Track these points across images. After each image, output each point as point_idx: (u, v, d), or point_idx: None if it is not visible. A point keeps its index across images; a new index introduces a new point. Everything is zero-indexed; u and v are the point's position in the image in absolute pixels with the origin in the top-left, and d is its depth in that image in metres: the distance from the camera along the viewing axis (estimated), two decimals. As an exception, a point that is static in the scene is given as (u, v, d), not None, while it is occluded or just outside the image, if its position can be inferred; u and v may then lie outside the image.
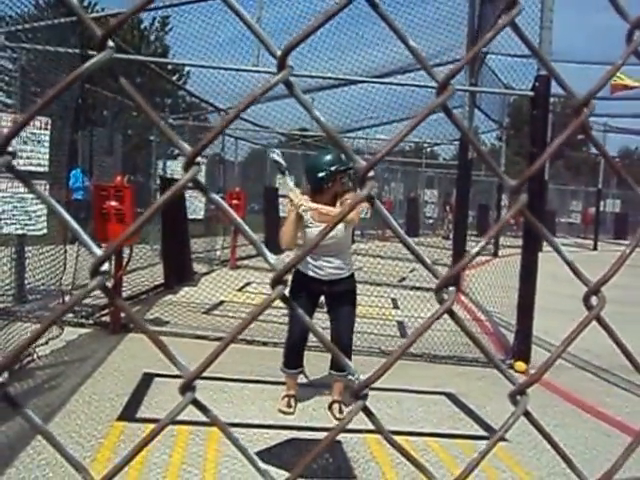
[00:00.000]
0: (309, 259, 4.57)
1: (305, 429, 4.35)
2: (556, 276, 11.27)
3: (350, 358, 4.74)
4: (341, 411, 4.66)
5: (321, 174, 4.51)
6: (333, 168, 4.50)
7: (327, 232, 0.67)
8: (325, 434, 0.69)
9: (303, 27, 0.62)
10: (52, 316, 0.60)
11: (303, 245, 4.64)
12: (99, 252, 0.59)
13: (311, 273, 4.60)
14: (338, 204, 4.56)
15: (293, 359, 4.74)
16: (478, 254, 0.74)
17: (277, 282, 0.64)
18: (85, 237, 0.60)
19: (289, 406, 4.68)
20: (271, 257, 0.65)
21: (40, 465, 3.49)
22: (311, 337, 6.09)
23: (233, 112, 0.64)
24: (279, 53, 0.63)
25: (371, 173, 0.64)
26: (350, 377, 0.65)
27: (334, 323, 4.69)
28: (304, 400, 4.91)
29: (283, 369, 4.80)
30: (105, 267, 0.59)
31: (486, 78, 11.47)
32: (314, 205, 4.51)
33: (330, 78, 10.12)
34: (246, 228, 0.65)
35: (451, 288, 0.69)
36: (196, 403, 0.65)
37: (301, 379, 5.02)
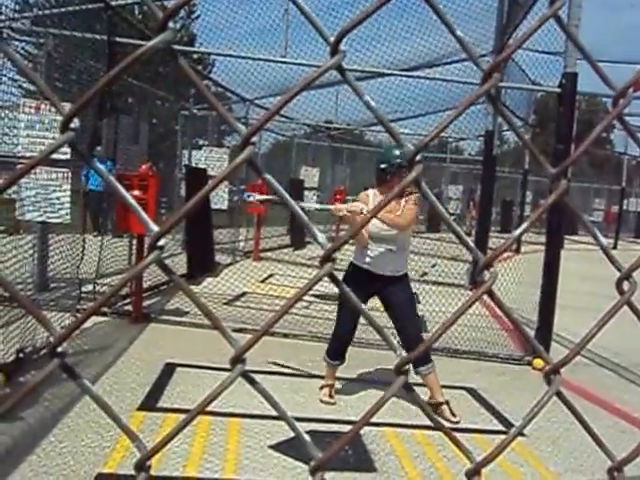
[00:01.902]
0: (369, 252, 4.62)
1: (325, 421, 4.36)
2: (576, 274, 11.19)
3: (427, 350, 4.61)
4: (453, 414, 4.62)
5: (383, 165, 4.65)
6: (395, 162, 4.60)
7: (371, 217, 0.72)
8: (343, 427, 0.70)
9: (329, 16, 0.62)
10: (112, 290, 0.65)
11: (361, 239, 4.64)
12: (156, 228, 0.62)
13: (365, 266, 4.64)
14: (403, 202, 4.61)
15: (338, 350, 4.79)
16: (520, 236, 0.77)
17: (326, 259, 0.65)
18: (143, 214, 0.63)
19: (331, 396, 4.76)
20: (320, 236, 0.65)
21: (62, 453, 3.54)
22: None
23: (286, 96, 0.65)
24: (332, 39, 0.63)
25: (418, 157, 0.66)
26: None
27: (398, 322, 4.67)
28: (373, 396, 4.94)
29: (326, 359, 4.85)
30: (162, 242, 0.61)
31: (513, 73, 11.36)
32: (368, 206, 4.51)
33: (357, 71, 10.06)
34: (297, 208, 0.66)
35: (492, 269, 0.71)
36: (246, 375, 0.67)
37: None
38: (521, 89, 12.54)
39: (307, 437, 0.70)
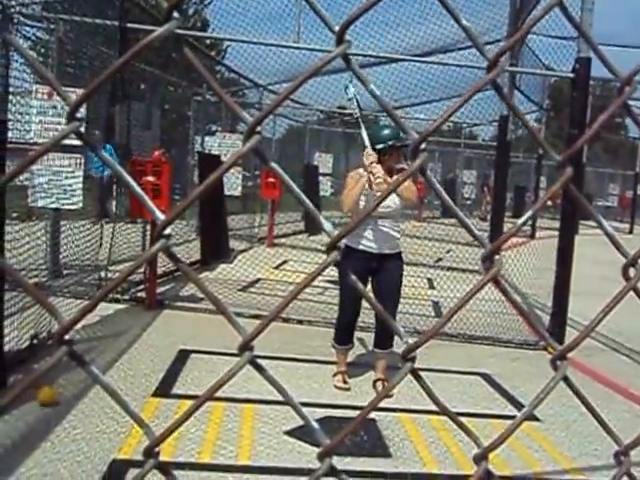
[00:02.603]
0: (363, 231, 4.62)
1: (340, 407, 4.36)
2: (589, 259, 11.10)
3: (392, 336, 4.77)
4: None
5: (379, 146, 4.60)
6: (391, 142, 4.60)
7: (380, 202, 0.71)
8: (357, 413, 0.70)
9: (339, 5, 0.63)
10: (119, 278, 0.64)
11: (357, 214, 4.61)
12: (162, 217, 0.62)
13: (362, 247, 4.64)
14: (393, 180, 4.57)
15: (345, 335, 4.82)
16: (525, 224, 0.78)
17: (332, 248, 0.66)
18: (149, 202, 0.63)
19: (345, 382, 4.77)
20: (326, 224, 0.66)
21: (75, 440, 3.55)
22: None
23: (293, 84, 0.67)
24: (337, 28, 0.65)
25: (423, 145, 0.67)
26: (390, 352, 0.64)
27: (379, 297, 4.67)
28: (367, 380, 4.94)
29: (334, 345, 4.88)
30: (168, 231, 0.61)
31: (527, 59, 11.25)
32: (387, 178, 4.47)
33: (371, 56, 9.99)
34: (303, 197, 0.67)
35: (497, 257, 0.71)
36: (253, 363, 0.67)
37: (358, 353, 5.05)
38: (535, 74, 12.42)
39: (315, 424, 0.71)
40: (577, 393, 0.83)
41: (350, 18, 0.64)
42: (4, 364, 4.15)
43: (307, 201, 0.66)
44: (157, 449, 0.65)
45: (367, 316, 5.45)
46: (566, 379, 0.80)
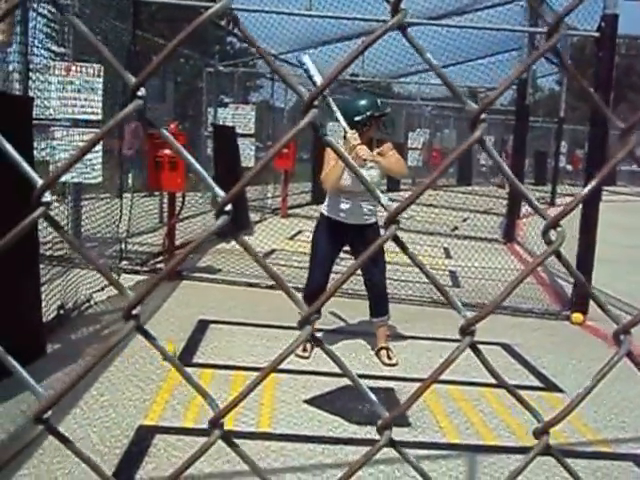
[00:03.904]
0: (340, 204, 4.62)
1: (359, 377, 4.37)
2: (615, 226, 11.00)
3: (386, 303, 4.81)
4: (389, 357, 4.71)
5: (357, 117, 4.48)
6: (369, 112, 4.50)
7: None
8: (369, 382, 0.71)
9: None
10: (186, 251, 0.68)
11: (343, 189, 4.58)
12: (222, 193, 0.63)
13: (339, 218, 4.64)
14: (375, 152, 4.54)
15: (312, 301, 4.77)
16: (587, 196, 0.76)
17: (391, 221, 0.66)
18: (208, 178, 0.65)
19: (304, 350, 4.67)
20: (383, 198, 0.67)
21: (103, 406, 3.63)
22: (345, 285, 6.08)
23: (349, 56, 0.65)
24: None
25: (483, 115, 0.65)
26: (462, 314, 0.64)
27: (364, 267, 4.66)
28: (355, 349, 4.95)
29: (301, 314, 4.83)
30: (229, 207, 0.63)
31: (547, 18, 10.99)
32: (375, 157, 4.44)
33: (384, 21, 9.85)
34: (358, 169, 0.67)
35: (559, 229, 0.70)
36: (314, 337, 0.71)
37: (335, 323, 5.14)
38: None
39: (373, 396, 0.72)
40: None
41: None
42: (44, 332, 4.28)
43: (362, 174, 0.65)
44: (222, 420, 0.67)
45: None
46: (630, 355, 0.78)
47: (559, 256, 0.71)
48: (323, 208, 4.81)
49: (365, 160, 4.34)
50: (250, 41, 0.65)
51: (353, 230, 4.66)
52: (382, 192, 4.38)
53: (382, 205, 0.67)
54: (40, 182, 0.62)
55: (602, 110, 0.72)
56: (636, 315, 0.77)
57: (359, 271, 4.84)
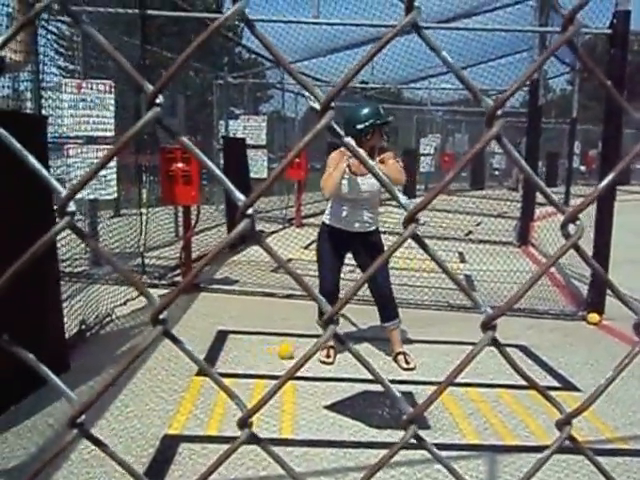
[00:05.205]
0: (343, 212, 4.66)
1: (377, 382, 4.40)
2: (628, 226, 10.91)
3: (394, 307, 4.82)
4: (407, 361, 4.73)
5: (360, 126, 4.50)
6: (371, 121, 4.51)
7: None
8: (394, 386, 0.72)
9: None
10: (210, 256, 0.69)
11: (343, 195, 4.63)
12: (242, 197, 0.64)
13: (340, 226, 4.68)
14: (377, 160, 4.58)
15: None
16: (603, 190, 0.76)
17: (410, 220, 0.66)
18: (230, 184, 0.66)
19: (328, 356, 4.75)
20: (402, 198, 0.67)
21: (128, 417, 3.70)
22: (359, 291, 6.09)
23: (365, 57, 0.64)
24: None
25: (499, 112, 0.65)
26: (481, 310, 0.66)
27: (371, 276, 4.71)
28: (372, 354, 4.97)
29: (318, 321, 4.85)
30: (250, 211, 0.64)
31: (557, 17, 10.99)
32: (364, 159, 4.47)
33: (393, 26, 9.89)
34: (378, 170, 0.68)
35: (577, 222, 0.70)
36: (337, 336, 0.71)
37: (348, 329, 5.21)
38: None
39: (397, 392, 0.73)
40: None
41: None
42: (67, 347, 4.36)
43: (383, 177, 0.67)
44: (250, 420, 0.69)
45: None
46: None
47: (577, 249, 0.71)
48: (325, 217, 4.84)
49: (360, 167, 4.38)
50: (266, 45, 0.65)
51: (355, 238, 4.70)
52: (383, 202, 4.37)
53: (401, 204, 0.67)
54: (64, 192, 0.62)
55: (618, 100, 0.73)
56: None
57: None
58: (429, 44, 0.65)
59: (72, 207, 0.62)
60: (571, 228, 0.71)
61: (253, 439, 0.71)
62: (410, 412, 0.71)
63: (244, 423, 0.69)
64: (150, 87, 0.62)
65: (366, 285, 4.68)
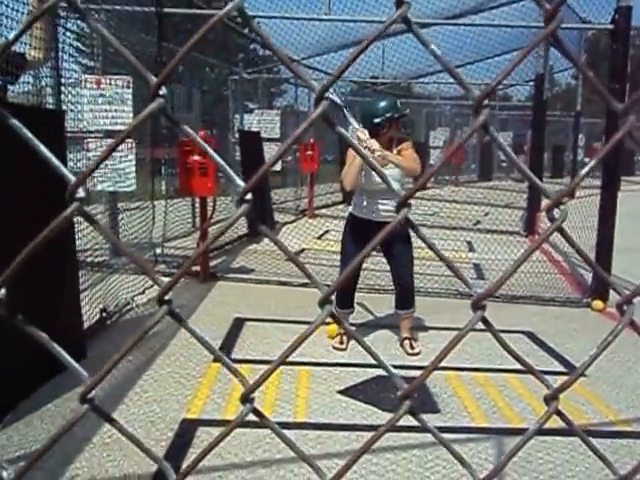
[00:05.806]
0: (364, 202, 4.79)
1: (372, 358, 4.54)
2: (633, 215, 10.94)
3: (412, 297, 4.96)
4: (412, 347, 4.89)
5: (377, 119, 4.63)
6: (389, 114, 4.63)
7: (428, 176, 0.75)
8: (401, 372, 0.80)
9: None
10: (211, 238, 0.73)
11: (361, 187, 4.77)
12: (242, 184, 0.66)
13: (363, 216, 4.80)
14: (394, 151, 4.70)
15: (345, 298, 4.96)
16: (588, 174, 0.77)
17: (403, 205, 0.69)
18: (230, 171, 0.69)
19: (341, 342, 4.93)
20: (395, 184, 0.78)
21: (147, 402, 3.83)
22: (369, 280, 6.26)
23: (357, 49, 0.66)
24: None
25: (485, 101, 0.67)
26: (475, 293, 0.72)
27: (392, 263, 4.94)
28: (385, 340, 5.11)
29: (335, 308, 4.99)
30: (249, 196, 0.66)
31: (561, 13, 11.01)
32: (383, 151, 4.55)
33: (400, 23, 9.98)
34: (373, 161, 0.72)
35: (562, 207, 0.72)
36: (333, 316, 0.74)
37: (362, 318, 5.35)
38: (571, 29, 12.19)
39: (393, 370, 0.76)
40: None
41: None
42: (84, 336, 4.49)
43: (377, 165, 0.72)
44: (252, 395, 0.71)
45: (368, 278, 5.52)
46: (633, 323, 0.80)
47: (562, 232, 0.73)
48: (351, 207, 5.01)
49: (377, 153, 4.45)
50: (263, 38, 0.66)
51: (376, 227, 4.83)
52: (402, 187, 4.51)
53: (393, 190, 0.72)
54: (73, 179, 0.62)
55: (599, 90, 0.75)
56: (637, 287, 0.80)
57: (387, 267, 5.04)
58: (419, 37, 0.66)
59: (81, 193, 0.63)
60: (556, 212, 0.73)
61: (255, 414, 0.73)
62: (405, 388, 0.73)
63: (246, 398, 0.71)
64: (154, 78, 0.62)
65: (384, 274, 4.80)
